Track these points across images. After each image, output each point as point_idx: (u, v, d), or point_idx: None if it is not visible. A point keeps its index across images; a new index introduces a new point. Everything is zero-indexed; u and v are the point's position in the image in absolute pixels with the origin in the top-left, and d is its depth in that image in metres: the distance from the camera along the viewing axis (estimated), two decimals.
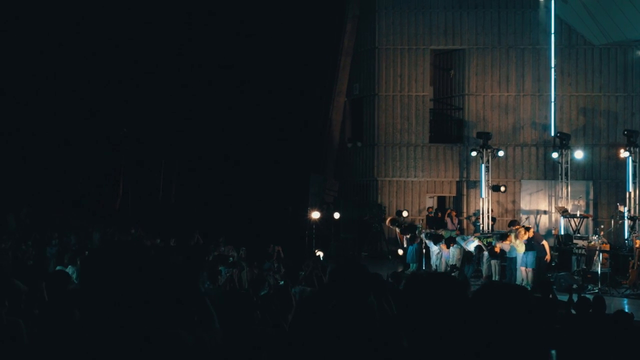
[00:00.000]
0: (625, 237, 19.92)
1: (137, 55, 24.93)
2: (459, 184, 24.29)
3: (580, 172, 23.29)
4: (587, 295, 11.28)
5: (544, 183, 23.71)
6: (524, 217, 23.31)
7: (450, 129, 24.96)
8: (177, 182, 27.38)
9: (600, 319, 8.51)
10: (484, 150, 22.69)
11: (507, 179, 23.67)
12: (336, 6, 24.90)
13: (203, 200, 24.96)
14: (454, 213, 23.42)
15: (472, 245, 17.90)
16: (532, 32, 23.83)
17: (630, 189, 21.08)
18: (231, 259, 14.84)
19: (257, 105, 24.56)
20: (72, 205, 24.82)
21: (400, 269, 16.26)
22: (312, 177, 23.85)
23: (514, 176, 23.84)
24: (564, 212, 21.83)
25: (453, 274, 15.63)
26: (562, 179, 22.92)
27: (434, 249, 18.60)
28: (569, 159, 22.68)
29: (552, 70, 23.39)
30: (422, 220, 23.50)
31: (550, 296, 11.25)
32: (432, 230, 20.93)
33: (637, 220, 19.74)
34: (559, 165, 22.97)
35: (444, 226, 22.74)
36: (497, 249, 17.26)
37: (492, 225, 22.65)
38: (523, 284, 16.11)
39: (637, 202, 20.99)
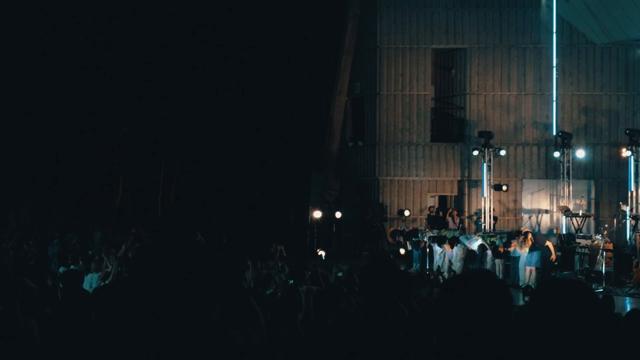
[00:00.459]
0: (628, 236, 19.90)
1: (138, 54, 24.84)
2: (460, 183, 24.26)
3: (581, 171, 23.27)
4: None
5: (546, 182, 23.68)
6: (525, 216, 23.30)
7: (451, 128, 24.93)
8: (177, 182, 27.30)
9: (612, 319, 8.45)
10: (486, 149, 22.66)
11: (509, 178, 23.64)
12: (337, 5, 24.86)
13: (203, 199, 24.89)
14: (455, 212, 23.38)
15: (475, 244, 17.89)
16: (534, 31, 23.81)
17: (633, 188, 21.06)
18: None
19: (258, 104, 24.49)
20: (72, 204, 24.73)
21: (402, 269, 16.22)
22: (313, 176, 23.78)
23: (516, 175, 23.81)
24: (566, 211, 21.81)
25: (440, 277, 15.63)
26: (563, 178, 22.91)
27: (438, 248, 18.57)
28: (570, 158, 22.67)
29: (554, 69, 23.37)
30: (424, 219, 23.45)
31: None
32: (436, 232, 20.89)
33: (639, 219, 19.71)
34: (561, 164, 22.95)
35: (445, 225, 22.69)
36: (500, 249, 17.24)
37: (494, 225, 22.63)
38: (527, 284, 16.09)
39: (639, 201, 20.96)
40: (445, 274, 16.63)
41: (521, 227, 22.05)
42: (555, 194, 23.44)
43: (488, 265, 17.79)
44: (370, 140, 24.65)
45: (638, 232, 18.66)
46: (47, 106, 24.61)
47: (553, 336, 1.99)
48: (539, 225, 23.24)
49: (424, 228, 21.83)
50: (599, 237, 18.20)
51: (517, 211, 23.70)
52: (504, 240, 18.45)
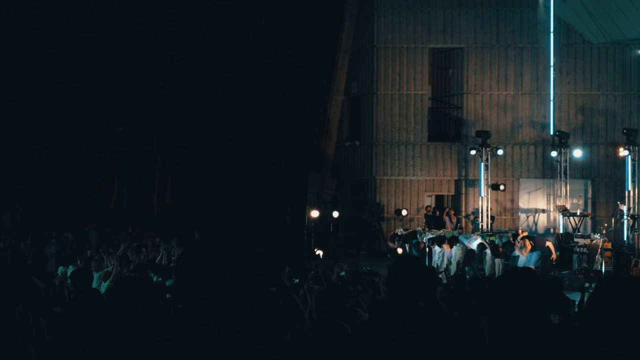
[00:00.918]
0: (625, 235, 19.93)
1: (132, 52, 24.71)
2: (457, 183, 24.26)
3: (578, 171, 23.32)
4: None
5: (543, 182, 23.71)
6: (523, 215, 23.31)
7: (448, 128, 24.93)
8: (172, 180, 27.18)
9: None
10: (483, 148, 22.67)
11: (506, 177, 23.65)
12: (334, 4, 24.80)
13: (199, 198, 24.78)
14: (452, 212, 23.39)
15: (474, 243, 17.84)
16: (531, 30, 23.83)
17: (630, 187, 21.10)
18: None
19: (255, 104, 24.40)
20: (67, 204, 24.57)
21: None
22: (310, 176, 23.71)
23: (513, 175, 23.83)
24: (564, 211, 21.84)
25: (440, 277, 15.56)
26: (560, 177, 22.95)
27: (437, 248, 18.51)
28: (567, 158, 22.71)
29: (551, 69, 23.38)
30: (421, 219, 23.43)
31: (560, 295, 11.19)
32: (434, 232, 20.84)
33: (637, 219, 19.74)
34: (558, 163, 22.99)
35: (442, 225, 22.68)
36: (500, 248, 17.20)
37: (491, 224, 22.63)
38: None
39: (636, 201, 21.01)
40: (452, 273, 16.58)
41: (518, 226, 22.06)
42: (552, 193, 23.48)
43: (487, 265, 17.75)
44: (367, 139, 24.61)
45: (636, 231, 18.69)
46: (43, 105, 24.44)
47: (619, 334, 1.94)
48: (536, 224, 23.27)
49: (422, 229, 21.78)
50: (597, 236, 18.22)
51: (514, 211, 23.72)
52: (504, 240, 18.42)
